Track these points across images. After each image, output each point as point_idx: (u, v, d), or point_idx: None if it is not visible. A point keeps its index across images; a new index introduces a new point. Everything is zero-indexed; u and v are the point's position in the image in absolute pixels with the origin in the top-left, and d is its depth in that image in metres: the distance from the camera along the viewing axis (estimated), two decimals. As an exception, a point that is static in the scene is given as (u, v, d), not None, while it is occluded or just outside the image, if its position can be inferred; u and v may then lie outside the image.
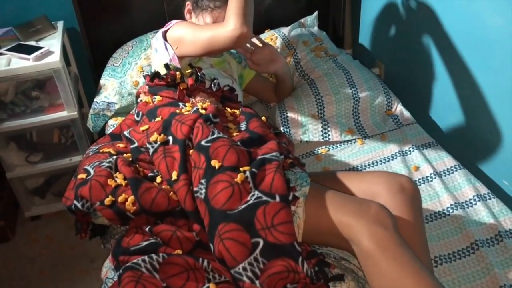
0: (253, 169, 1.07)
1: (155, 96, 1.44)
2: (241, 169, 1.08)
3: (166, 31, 1.52)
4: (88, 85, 2.21)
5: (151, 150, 1.20)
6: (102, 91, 1.88)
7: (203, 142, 1.14)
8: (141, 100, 1.50)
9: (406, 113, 1.80)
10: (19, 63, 1.75)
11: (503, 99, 1.50)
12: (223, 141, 1.13)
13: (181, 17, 1.62)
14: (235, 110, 1.41)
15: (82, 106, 2.20)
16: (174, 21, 1.53)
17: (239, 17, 1.31)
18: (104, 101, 1.85)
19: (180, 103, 1.37)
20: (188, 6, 1.58)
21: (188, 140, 1.18)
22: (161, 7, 2.04)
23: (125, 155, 1.27)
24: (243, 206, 1.01)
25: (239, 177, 1.05)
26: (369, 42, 2.31)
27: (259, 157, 1.11)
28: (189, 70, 1.47)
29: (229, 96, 1.49)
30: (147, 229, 1.11)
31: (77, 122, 1.92)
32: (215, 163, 1.08)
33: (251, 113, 1.36)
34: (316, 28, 2.19)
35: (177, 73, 1.43)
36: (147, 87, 1.51)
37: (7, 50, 1.79)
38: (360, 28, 2.34)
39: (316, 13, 2.22)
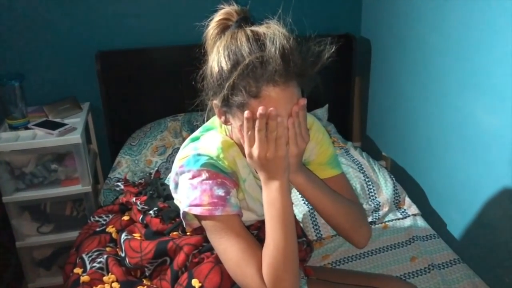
0: None
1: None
2: None
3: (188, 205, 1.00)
4: (107, 164, 2.31)
5: (147, 272, 1.16)
6: (116, 167, 1.98)
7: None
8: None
9: (412, 205, 1.83)
10: (44, 137, 1.88)
11: (501, 196, 1.53)
12: (210, 258, 1.06)
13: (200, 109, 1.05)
14: None
15: (98, 183, 2.30)
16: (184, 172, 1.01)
17: (273, 271, 0.90)
18: (117, 177, 1.94)
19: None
20: (217, 108, 0.98)
21: (181, 271, 1.09)
22: (180, 95, 2.18)
23: (118, 249, 1.27)
24: None
25: None
26: (375, 136, 2.39)
27: None
28: None
29: None
30: None
31: (89, 196, 2.00)
32: (195, 283, 1.02)
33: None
34: (325, 121, 2.30)
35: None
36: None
37: (34, 125, 1.94)
38: (368, 122, 2.44)
39: (326, 106, 2.34)
